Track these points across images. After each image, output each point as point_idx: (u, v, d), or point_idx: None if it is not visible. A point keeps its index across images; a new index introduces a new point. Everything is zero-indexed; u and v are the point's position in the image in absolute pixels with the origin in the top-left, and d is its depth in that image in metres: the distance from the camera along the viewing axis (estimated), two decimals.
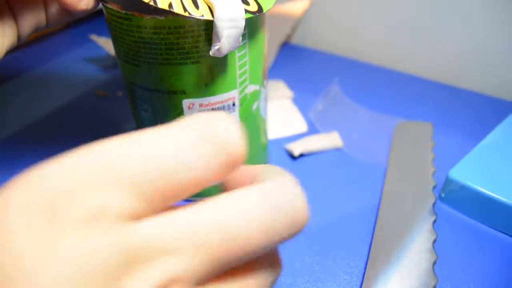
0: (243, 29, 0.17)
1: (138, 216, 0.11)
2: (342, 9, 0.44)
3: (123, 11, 0.17)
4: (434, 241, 0.22)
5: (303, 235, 0.24)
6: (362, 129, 0.32)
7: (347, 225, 0.24)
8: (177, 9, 0.16)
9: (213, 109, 0.20)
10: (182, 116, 0.20)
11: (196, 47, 0.18)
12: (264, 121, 0.25)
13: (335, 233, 0.24)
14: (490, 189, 0.23)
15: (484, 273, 0.21)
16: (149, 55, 0.18)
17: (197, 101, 0.19)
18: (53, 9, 0.21)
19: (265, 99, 0.24)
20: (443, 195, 0.26)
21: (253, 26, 0.19)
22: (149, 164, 0.11)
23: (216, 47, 0.16)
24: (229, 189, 0.13)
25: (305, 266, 0.22)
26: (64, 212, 0.10)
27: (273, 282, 0.14)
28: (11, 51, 0.21)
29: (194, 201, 0.12)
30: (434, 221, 0.23)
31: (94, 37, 0.43)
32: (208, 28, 0.17)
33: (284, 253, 0.23)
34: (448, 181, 0.25)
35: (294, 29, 0.47)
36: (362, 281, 0.21)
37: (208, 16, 0.16)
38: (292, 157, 0.30)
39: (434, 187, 0.26)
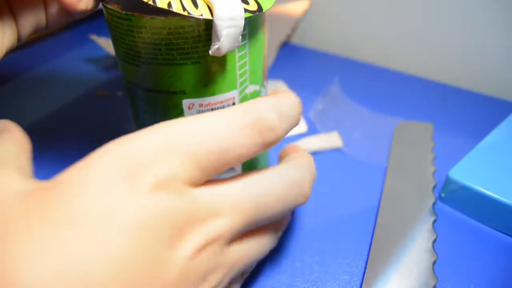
0: (242, 28, 0.17)
1: (196, 184, 0.14)
2: (342, 9, 0.44)
3: (123, 12, 0.17)
4: (434, 241, 0.22)
5: (303, 235, 0.24)
6: (362, 129, 0.33)
7: (347, 225, 0.24)
8: (176, 8, 0.16)
9: (213, 109, 0.20)
10: (181, 116, 0.20)
11: (196, 47, 0.18)
12: None
13: (335, 233, 0.24)
14: (490, 189, 0.23)
15: (484, 273, 0.21)
16: (149, 55, 0.18)
17: (197, 101, 0.19)
18: (53, 9, 0.21)
19: None
20: (443, 195, 0.26)
21: (253, 26, 0.19)
22: (208, 142, 0.14)
23: (216, 47, 0.16)
24: (280, 157, 0.20)
25: (305, 266, 0.22)
26: (142, 177, 0.12)
27: (276, 242, 0.18)
28: (11, 52, 0.21)
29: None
30: (434, 221, 0.23)
31: (94, 38, 0.43)
32: (208, 28, 0.17)
33: (284, 253, 0.23)
34: (448, 181, 0.25)
35: (294, 29, 0.48)
36: (362, 281, 0.21)
37: (207, 15, 0.16)
38: None
39: (434, 187, 0.26)
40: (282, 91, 0.17)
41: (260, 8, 0.17)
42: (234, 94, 0.20)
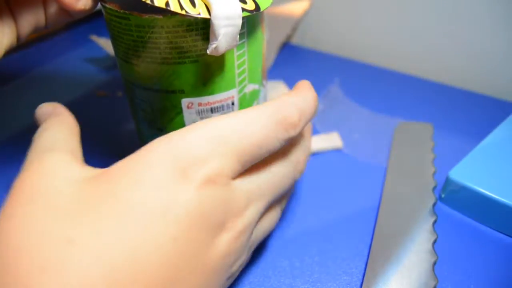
0: (240, 27, 0.17)
1: (236, 176, 0.15)
2: (342, 9, 0.44)
3: (122, 11, 0.17)
4: (434, 242, 0.22)
5: (303, 235, 0.24)
6: (362, 130, 0.32)
7: (347, 225, 0.24)
8: (174, 7, 0.16)
9: (212, 108, 0.20)
10: (180, 116, 0.20)
11: (195, 46, 0.18)
12: None
13: (335, 233, 0.24)
14: (490, 190, 0.23)
15: (484, 273, 0.21)
16: (147, 55, 0.18)
17: (196, 100, 0.19)
18: (52, 9, 0.21)
19: (265, 99, 0.24)
20: (443, 195, 0.26)
21: (251, 25, 0.19)
22: (250, 138, 0.15)
23: (213, 46, 0.16)
24: None
25: (305, 266, 0.22)
26: (193, 172, 0.14)
27: (280, 214, 0.20)
28: (10, 51, 0.21)
29: None
30: (434, 222, 0.23)
31: (94, 38, 0.43)
32: (207, 27, 0.17)
33: (284, 253, 0.23)
34: (448, 182, 0.25)
35: (294, 29, 0.48)
36: (362, 281, 0.21)
37: (205, 14, 0.16)
38: None
39: (434, 187, 0.26)
40: (304, 88, 0.18)
41: (258, 7, 0.17)
42: (233, 93, 0.20)
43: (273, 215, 0.19)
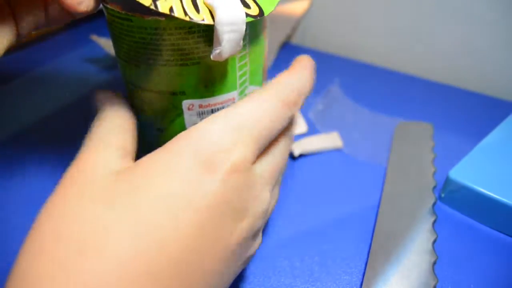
0: (244, 33, 0.16)
1: (255, 160, 0.16)
2: (342, 9, 0.44)
3: (124, 12, 0.17)
4: (434, 242, 0.22)
5: (303, 235, 0.24)
6: (362, 129, 0.32)
7: (347, 225, 0.24)
8: (178, 13, 0.15)
9: (212, 110, 0.20)
10: (181, 117, 0.20)
11: (197, 48, 0.18)
12: None
13: (335, 233, 0.24)
14: (490, 190, 0.23)
15: (484, 273, 0.21)
16: (149, 56, 0.18)
17: (196, 102, 0.19)
18: (54, 9, 0.21)
19: None
20: (443, 195, 0.26)
21: (254, 29, 0.19)
22: (263, 122, 0.16)
23: (217, 51, 0.16)
24: None
25: (305, 266, 0.22)
26: (218, 162, 0.14)
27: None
28: (10, 51, 0.21)
29: None
30: (434, 222, 0.23)
31: (95, 38, 0.43)
32: (209, 29, 0.17)
33: (284, 253, 0.23)
34: (448, 181, 0.25)
35: (294, 29, 0.47)
36: (362, 281, 0.21)
37: (209, 20, 0.16)
38: (292, 157, 0.30)
39: (434, 187, 0.26)
40: (300, 67, 0.19)
41: (261, 12, 0.17)
42: (234, 95, 0.20)
43: (276, 193, 0.19)
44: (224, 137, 0.15)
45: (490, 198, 0.23)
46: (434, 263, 0.21)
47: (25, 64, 0.42)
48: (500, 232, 0.24)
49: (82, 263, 0.12)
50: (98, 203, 0.13)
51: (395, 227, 0.23)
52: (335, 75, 0.40)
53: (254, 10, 0.17)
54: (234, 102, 0.20)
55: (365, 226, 0.24)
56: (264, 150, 0.17)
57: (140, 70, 0.19)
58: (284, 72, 0.18)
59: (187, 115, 0.20)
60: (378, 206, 0.25)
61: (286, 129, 0.19)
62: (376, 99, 0.36)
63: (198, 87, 0.19)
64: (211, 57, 0.17)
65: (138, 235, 0.13)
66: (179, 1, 0.16)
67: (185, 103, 0.19)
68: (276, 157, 0.17)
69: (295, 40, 0.49)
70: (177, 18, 0.16)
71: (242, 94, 0.21)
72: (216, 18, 0.16)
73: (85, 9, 0.19)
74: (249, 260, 0.17)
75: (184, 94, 0.19)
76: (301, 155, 0.30)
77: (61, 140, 0.31)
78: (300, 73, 0.18)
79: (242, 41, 0.17)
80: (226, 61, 0.19)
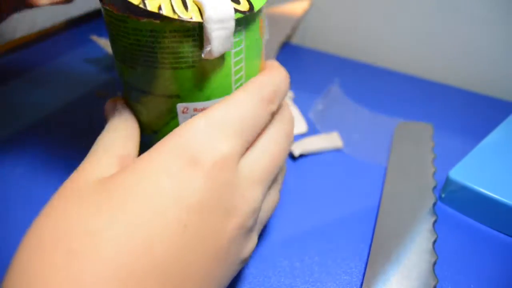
0: (233, 29, 0.16)
1: (241, 155, 0.16)
2: (342, 9, 0.44)
3: (119, 13, 0.17)
4: (434, 242, 0.22)
5: (303, 235, 0.24)
6: (362, 130, 0.32)
7: (347, 225, 0.24)
8: (166, 11, 0.15)
9: None
10: (176, 120, 0.20)
11: (192, 52, 0.18)
12: None
13: (335, 233, 0.24)
14: (490, 190, 0.23)
15: (484, 273, 0.21)
16: (144, 58, 0.18)
17: (191, 105, 0.19)
18: None
19: None
20: (443, 195, 0.26)
21: (249, 30, 0.19)
22: (246, 119, 0.16)
23: (207, 49, 0.16)
24: None
25: (305, 266, 0.22)
26: (202, 160, 0.14)
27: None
28: (10, 51, 0.21)
29: None
30: (434, 222, 0.23)
31: (95, 38, 0.43)
32: (203, 32, 0.17)
33: (284, 253, 0.23)
34: (448, 182, 0.25)
35: (294, 29, 0.48)
36: (362, 281, 0.21)
37: (197, 18, 0.16)
38: (292, 157, 0.30)
39: (434, 187, 0.26)
40: (274, 68, 0.20)
41: (251, 7, 0.17)
42: None
43: (273, 195, 0.19)
44: (206, 133, 0.15)
45: (490, 198, 0.23)
46: (434, 263, 0.21)
47: (25, 64, 0.42)
48: (500, 232, 0.24)
49: (72, 265, 0.12)
50: (87, 208, 0.14)
51: (395, 227, 0.23)
52: (335, 75, 0.40)
53: (244, 6, 0.17)
54: None
55: (365, 226, 0.24)
56: (249, 148, 0.17)
57: (136, 72, 0.19)
58: (260, 73, 0.19)
59: (181, 118, 0.20)
60: (378, 206, 0.25)
61: (272, 126, 0.19)
62: (376, 99, 0.36)
63: (193, 90, 0.19)
64: (202, 55, 0.17)
65: (125, 236, 0.13)
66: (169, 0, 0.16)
67: (180, 106, 0.19)
68: (264, 155, 0.17)
69: (295, 40, 0.49)
70: (172, 22, 0.16)
71: None
72: (204, 16, 0.16)
73: (46, 2, 0.19)
74: (244, 262, 0.17)
75: (179, 98, 0.19)
76: (301, 155, 0.30)
77: (61, 139, 0.31)
78: (276, 73, 0.19)
79: (232, 38, 0.17)
80: (221, 65, 0.19)
